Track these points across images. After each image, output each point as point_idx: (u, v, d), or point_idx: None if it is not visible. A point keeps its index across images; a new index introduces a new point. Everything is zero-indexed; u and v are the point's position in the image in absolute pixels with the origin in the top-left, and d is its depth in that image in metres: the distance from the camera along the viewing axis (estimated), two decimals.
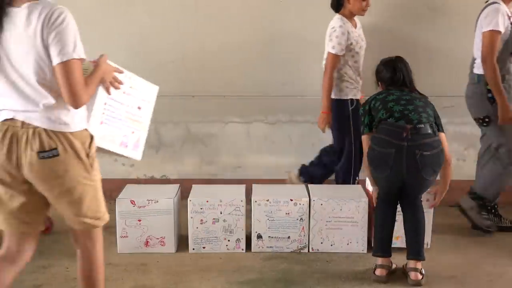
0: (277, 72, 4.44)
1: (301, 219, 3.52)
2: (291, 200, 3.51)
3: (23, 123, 2.19)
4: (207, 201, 3.50)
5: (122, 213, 3.47)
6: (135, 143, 2.67)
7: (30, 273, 3.24)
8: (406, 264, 3.17)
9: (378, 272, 3.15)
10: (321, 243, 3.55)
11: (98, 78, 2.37)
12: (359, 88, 4.02)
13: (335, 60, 3.88)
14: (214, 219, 3.52)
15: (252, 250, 3.56)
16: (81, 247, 2.42)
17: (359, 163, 3.98)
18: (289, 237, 3.54)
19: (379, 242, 3.19)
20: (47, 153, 2.17)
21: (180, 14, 4.37)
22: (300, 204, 3.51)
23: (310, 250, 3.56)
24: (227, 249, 3.55)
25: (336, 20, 3.91)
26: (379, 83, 3.40)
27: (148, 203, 3.49)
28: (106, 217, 2.43)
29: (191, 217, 3.51)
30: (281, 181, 4.17)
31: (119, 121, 2.57)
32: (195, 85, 4.41)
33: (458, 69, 4.08)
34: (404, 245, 3.29)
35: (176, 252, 3.56)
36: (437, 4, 4.38)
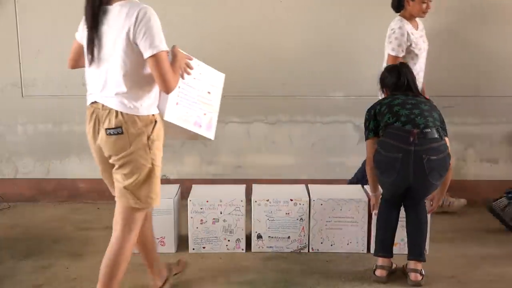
0: (277, 72, 4.44)
1: (301, 219, 3.52)
2: (291, 200, 3.51)
3: (103, 105, 2.50)
4: (207, 201, 3.50)
5: None
6: (207, 124, 2.86)
7: (30, 273, 3.25)
8: (406, 265, 3.17)
9: (379, 272, 3.15)
10: (321, 243, 3.55)
11: (178, 66, 2.61)
12: None
13: (396, 62, 3.76)
14: (214, 219, 3.52)
15: (252, 250, 3.56)
16: (117, 231, 2.57)
17: None
18: (289, 237, 3.54)
19: (381, 243, 3.18)
20: (113, 130, 2.47)
21: (179, 14, 4.37)
22: (300, 204, 3.51)
23: (310, 250, 3.56)
24: (227, 249, 3.55)
25: (396, 21, 3.88)
26: (384, 89, 3.39)
27: None
28: (152, 203, 2.60)
29: (191, 217, 3.51)
30: (281, 181, 4.17)
31: (193, 103, 2.76)
32: None
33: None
34: (401, 251, 3.32)
35: (176, 252, 3.55)
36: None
